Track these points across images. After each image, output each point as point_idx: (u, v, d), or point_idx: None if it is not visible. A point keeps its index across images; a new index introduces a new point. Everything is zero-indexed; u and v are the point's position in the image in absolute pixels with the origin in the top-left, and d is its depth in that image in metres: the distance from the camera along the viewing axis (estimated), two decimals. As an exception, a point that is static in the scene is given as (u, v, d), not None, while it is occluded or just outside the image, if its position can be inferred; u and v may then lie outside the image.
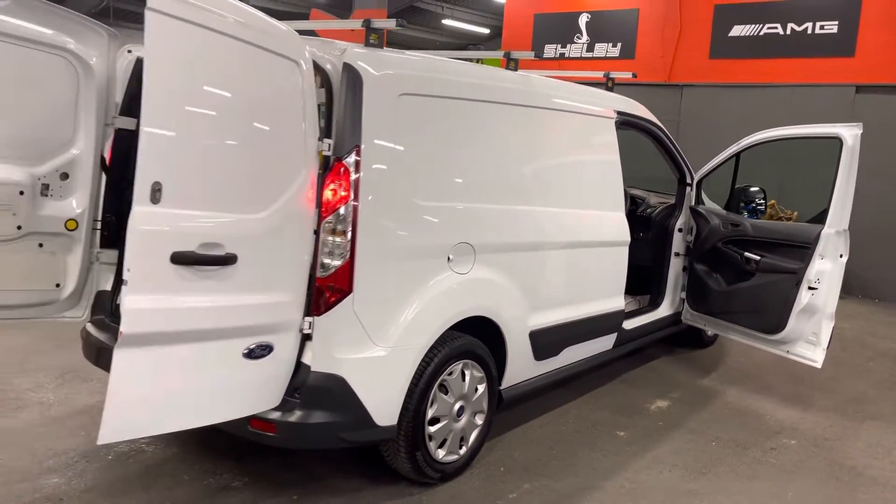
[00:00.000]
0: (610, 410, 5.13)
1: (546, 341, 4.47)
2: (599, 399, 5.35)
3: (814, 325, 5.22)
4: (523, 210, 4.25)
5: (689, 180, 6.13)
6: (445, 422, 3.83)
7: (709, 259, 5.92)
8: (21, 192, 3.85)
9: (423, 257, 3.62)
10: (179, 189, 2.69)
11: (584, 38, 12.63)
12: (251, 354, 3.05)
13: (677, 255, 6.09)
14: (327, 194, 3.25)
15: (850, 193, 5.05)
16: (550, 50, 12.94)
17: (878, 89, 9.83)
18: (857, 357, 6.98)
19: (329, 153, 3.25)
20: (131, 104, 4.19)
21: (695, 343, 6.74)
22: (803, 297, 5.17)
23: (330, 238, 3.26)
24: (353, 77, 3.30)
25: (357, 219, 3.27)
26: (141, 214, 2.62)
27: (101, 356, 4.04)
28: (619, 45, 12.28)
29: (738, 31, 10.93)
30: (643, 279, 6.06)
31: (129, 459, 4.00)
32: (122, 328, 2.63)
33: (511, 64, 4.48)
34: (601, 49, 12.44)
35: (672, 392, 5.60)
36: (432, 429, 3.76)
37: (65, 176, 4.05)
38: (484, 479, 4.01)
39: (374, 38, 3.54)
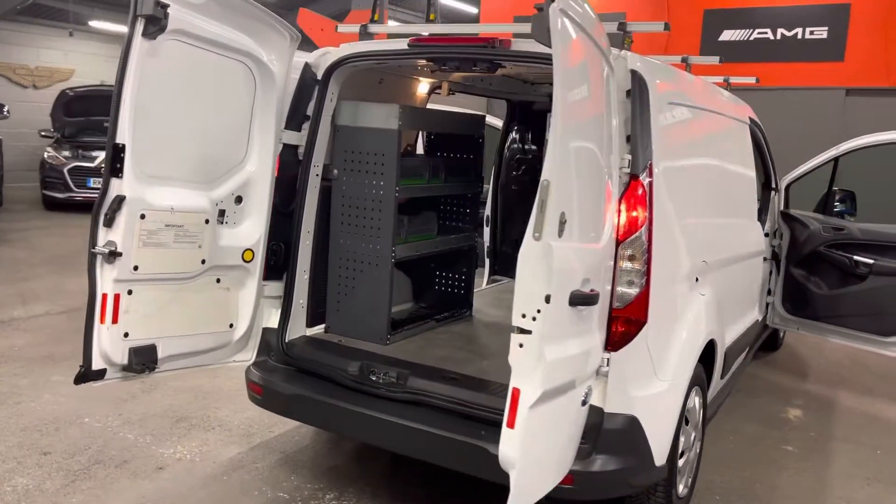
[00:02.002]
0: (756, 423, 5.01)
1: (729, 358, 4.30)
2: (733, 411, 5.22)
3: (933, 327, 5.30)
4: (727, 223, 4.06)
5: (773, 185, 6.11)
6: (687, 454, 3.58)
7: (808, 263, 5.91)
8: (206, 221, 3.31)
9: (685, 279, 3.36)
10: (571, 219, 2.31)
11: (567, 41, 12.58)
12: (584, 401, 2.70)
13: (764, 259, 6.07)
14: (624, 216, 2.93)
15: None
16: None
17: (867, 92, 10.29)
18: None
19: (627, 170, 2.93)
20: (294, 116, 3.71)
21: (770, 346, 6.76)
22: (925, 299, 5.24)
23: (626, 265, 2.94)
24: (640, 85, 2.99)
25: (652, 242, 2.97)
26: (557, 250, 2.22)
27: (295, 406, 3.54)
28: (603, 48, 12.30)
29: (728, 35, 11.17)
30: None
31: (332, 521, 3.52)
32: (539, 386, 2.23)
33: (687, 69, 4.27)
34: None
35: (792, 399, 5.56)
36: (679, 463, 3.50)
37: (239, 199, 3.53)
38: (711, 510, 3.79)
39: (627, 41, 3.24)
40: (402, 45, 3.49)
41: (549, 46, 2.25)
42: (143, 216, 3.02)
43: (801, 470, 4.34)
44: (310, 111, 3.74)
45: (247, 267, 3.56)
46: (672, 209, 3.23)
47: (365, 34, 3.86)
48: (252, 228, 3.57)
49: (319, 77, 3.71)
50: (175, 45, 3.08)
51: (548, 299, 2.21)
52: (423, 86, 4.60)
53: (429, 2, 6.50)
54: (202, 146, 3.34)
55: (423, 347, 3.94)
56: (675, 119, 3.29)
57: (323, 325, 4.04)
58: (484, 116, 4.53)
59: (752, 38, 11.00)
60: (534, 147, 5.65)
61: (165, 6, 2.91)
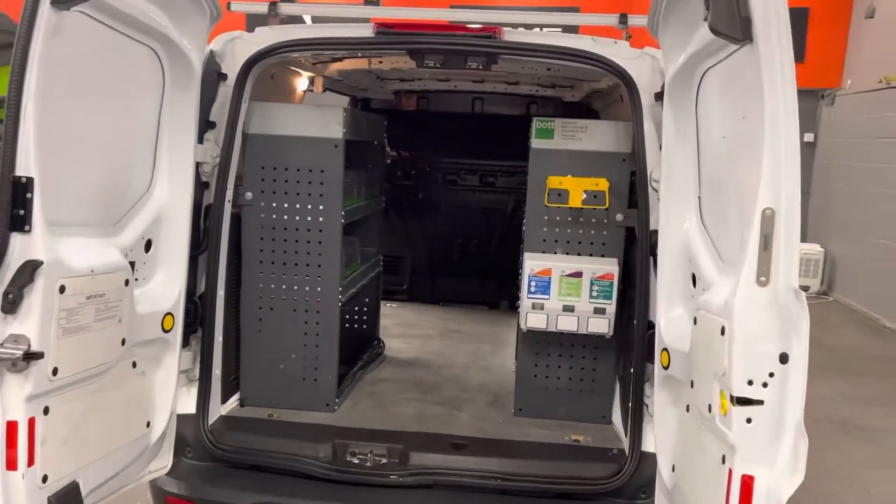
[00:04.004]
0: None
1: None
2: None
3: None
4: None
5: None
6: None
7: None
8: (126, 283, 2.25)
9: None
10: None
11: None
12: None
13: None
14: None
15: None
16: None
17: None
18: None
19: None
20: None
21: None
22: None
23: None
24: None
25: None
26: (798, 296, 1.74)
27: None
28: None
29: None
30: None
31: None
32: (791, 473, 1.74)
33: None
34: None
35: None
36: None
37: (149, 245, 2.48)
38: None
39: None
40: (363, 31, 2.72)
41: (735, 40, 1.78)
42: (62, 289, 1.91)
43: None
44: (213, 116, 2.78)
45: (166, 338, 2.53)
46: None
47: (273, 14, 2.99)
48: (169, 283, 2.54)
49: (228, 71, 2.77)
50: (80, 20, 1.99)
51: (783, 359, 1.76)
52: (303, 81, 3.75)
53: (371, -20, 5.22)
54: (104, 171, 2.27)
55: (377, 407, 3.19)
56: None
57: (237, 398, 3.08)
58: (385, 119, 3.84)
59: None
60: (390, 151, 5.03)
61: (91, -42, 1.85)
